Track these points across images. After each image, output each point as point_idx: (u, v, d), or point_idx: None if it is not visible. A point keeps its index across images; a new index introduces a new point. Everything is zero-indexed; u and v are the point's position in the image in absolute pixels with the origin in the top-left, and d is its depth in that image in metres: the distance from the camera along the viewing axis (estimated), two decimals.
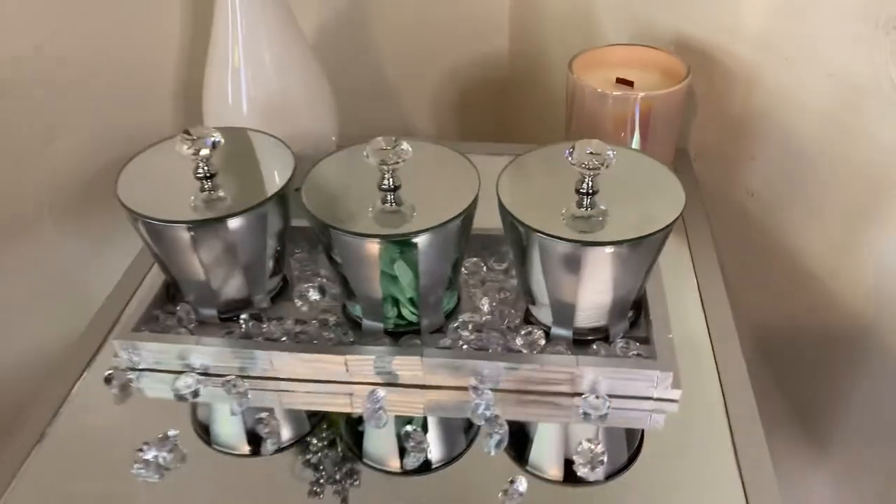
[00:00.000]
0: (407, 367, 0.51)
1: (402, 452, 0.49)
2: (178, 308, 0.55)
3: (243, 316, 0.54)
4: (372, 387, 0.51)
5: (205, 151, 0.50)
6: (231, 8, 0.62)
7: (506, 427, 0.48)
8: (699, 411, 0.50)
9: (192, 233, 0.50)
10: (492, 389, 0.51)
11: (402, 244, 0.48)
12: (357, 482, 0.48)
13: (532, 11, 0.88)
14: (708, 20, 0.69)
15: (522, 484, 0.44)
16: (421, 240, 0.48)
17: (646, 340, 0.53)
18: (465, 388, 0.51)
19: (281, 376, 0.52)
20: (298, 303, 0.56)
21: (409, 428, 0.48)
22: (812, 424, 0.72)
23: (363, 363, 0.51)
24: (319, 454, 0.49)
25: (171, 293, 0.57)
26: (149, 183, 0.53)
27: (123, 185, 0.52)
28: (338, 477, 0.49)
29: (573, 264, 0.48)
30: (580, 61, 0.66)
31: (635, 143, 0.64)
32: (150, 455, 0.47)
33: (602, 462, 0.46)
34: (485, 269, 0.59)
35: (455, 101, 0.94)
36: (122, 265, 0.81)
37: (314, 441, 0.50)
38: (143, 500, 0.46)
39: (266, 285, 0.56)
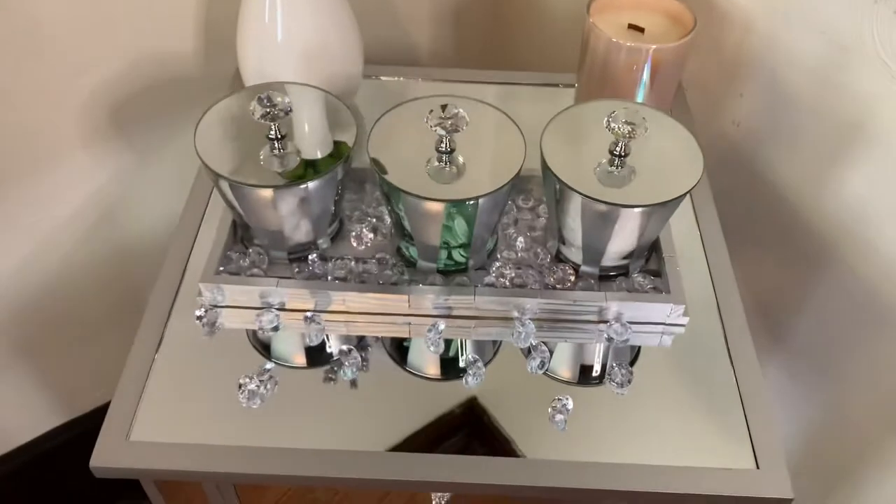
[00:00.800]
0: (461, 303, 0.59)
1: (442, 364, 0.59)
2: (250, 250, 0.61)
3: (311, 257, 0.61)
4: (434, 320, 0.60)
5: (279, 116, 0.55)
6: None
7: (548, 352, 0.58)
8: (695, 317, 0.61)
9: (274, 193, 0.56)
10: (531, 319, 0.60)
11: (460, 204, 0.56)
12: (366, 369, 0.58)
13: None
14: None
15: (570, 402, 0.55)
16: (480, 201, 0.55)
17: (657, 273, 0.62)
18: (508, 318, 0.60)
19: (351, 311, 0.60)
20: (355, 243, 0.64)
21: (471, 357, 0.58)
22: (771, 320, 0.85)
23: (423, 300, 0.59)
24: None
25: (238, 234, 0.63)
26: (221, 139, 0.58)
27: (200, 142, 0.57)
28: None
29: (609, 220, 0.56)
30: (596, 4, 0.71)
31: (644, 86, 0.71)
32: (252, 386, 0.55)
33: (630, 381, 0.57)
34: (515, 209, 0.67)
35: (451, 18, 0.97)
36: (154, 188, 0.86)
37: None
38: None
39: (328, 229, 0.63)
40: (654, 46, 0.67)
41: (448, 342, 0.60)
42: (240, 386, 0.55)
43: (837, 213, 0.72)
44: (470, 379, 0.57)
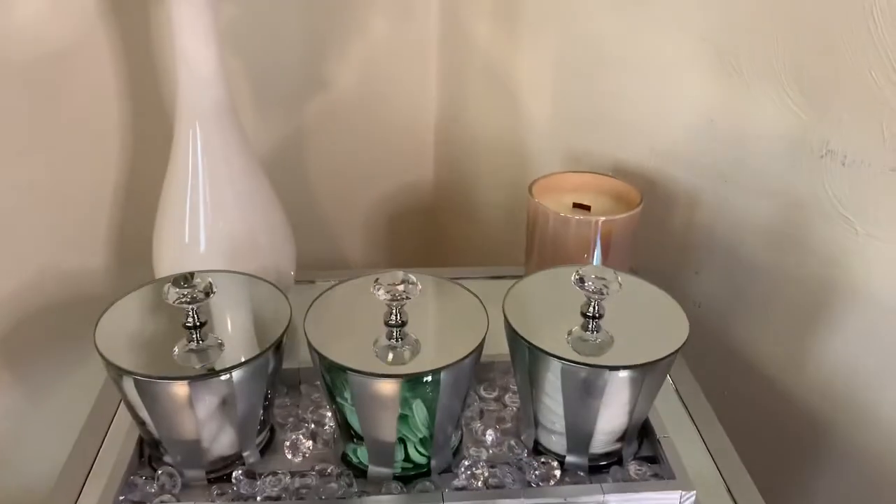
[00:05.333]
0: None
1: None
2: (159, 472, 0.49)
3: (236, 474, 0.49)
4: None
5: (199, 299, 0.47)
6: (192, 145, 0.59)
7: None
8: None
9: (191, 388, 0.45)
10: None
11: (418, 381, 0.47)
12: None
13: (458, 143, 0.91)
14: (641, 146, 0.74)
15: None
16: (442, 376, 0.46)
17: (654, 460, 0.53)
18: None
19: None
20: (290, 454, 0.52)
21: None
22: None
23: None
24: None
25: (145, 455, 0.51)
26: (127, 334, 0.49)
27: (102, 337, 0.47)
28: None
29: (595, 390, 0.48)
30: (538, 187, 0.68)
31: (596, 263, 0.66)
32: None
33: None
34: (478, 399, 0.58)
35: (385, 228, 0.95)
36: (60, 417, 0.73)
37: None
38: None
39: (256, 438, 0.52)
40: (602, 218, 0.64)
41: None
42: None
43: (826, 382, 0.66)
44: None
